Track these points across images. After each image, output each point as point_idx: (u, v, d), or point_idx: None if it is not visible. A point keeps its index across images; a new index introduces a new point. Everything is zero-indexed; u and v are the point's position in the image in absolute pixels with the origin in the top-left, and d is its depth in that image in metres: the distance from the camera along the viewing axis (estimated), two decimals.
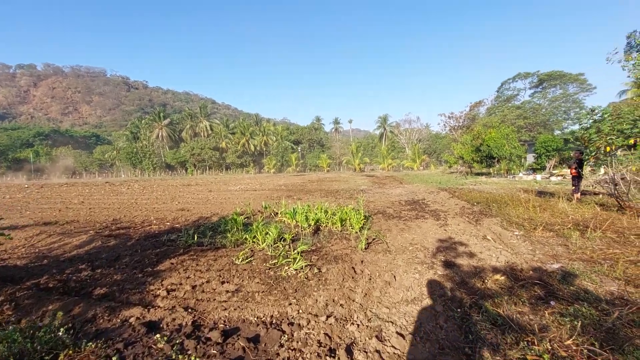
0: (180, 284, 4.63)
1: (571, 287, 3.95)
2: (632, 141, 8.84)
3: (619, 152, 9.03)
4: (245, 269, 5.15)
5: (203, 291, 4.34)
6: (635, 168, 9.21)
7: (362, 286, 4.37)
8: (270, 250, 6.06)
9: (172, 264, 5.58)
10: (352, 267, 5.10)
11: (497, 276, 4.44)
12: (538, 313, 3.39)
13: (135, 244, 6.91)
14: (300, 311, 3.65)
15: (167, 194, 20.88)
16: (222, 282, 4.59)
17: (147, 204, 15.20)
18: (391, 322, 3.39)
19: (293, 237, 6.95)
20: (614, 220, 7.23)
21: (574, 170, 11.80)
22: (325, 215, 8.55)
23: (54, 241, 7.61)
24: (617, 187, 9.25)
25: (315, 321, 3.39)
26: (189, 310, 3.73)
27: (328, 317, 3.46)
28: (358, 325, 3.30)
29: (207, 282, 4.65)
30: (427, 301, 3.89)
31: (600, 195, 11.92)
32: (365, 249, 6.22)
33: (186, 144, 77.08)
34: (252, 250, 6.18)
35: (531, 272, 4.60)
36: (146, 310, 3.61)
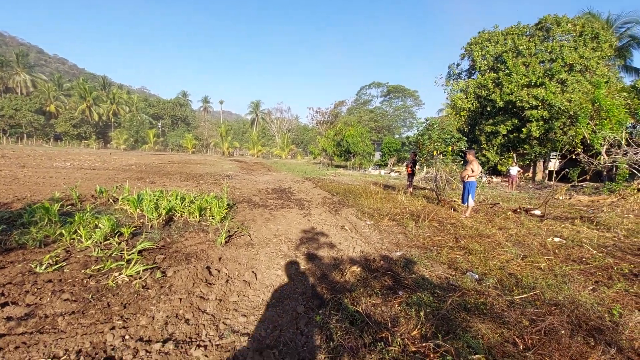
0: None
1: (412, 275, 4.40)
2: (450, 148, 11.07)
3: (440, 157, 11.19)
4: (50, 280, 3.73)
5: None
6: (449, 169, 11.63)
7: (217, 291, 3.76)
8: (96, 250, 4.67)
9: None
10: (207, 267, 4.40)
11: (354, 268, 4.59)
12: (389, 304, 3.56)
13: None
14: (127, 337, 2.77)
15: None
16: (3, 305, 3.15)
17: None
18: (247, 334, 2.93)
19: (134, 230, 5.63)
20: (437, 211, 8.84)
21: (409, 169, 14.09)
22: (182, 203, 7.40)
23: None
24: (436, 184, 11.48)
25: (147, 350, 2.60)
26: None
27: (166, 341, 2.72)
28: (205, 347, 2.69)
29: None
30: (288, 302, 3.62)
31: (426, 190, 14.69)
32: (226, 242, 5.57)
33: None
34: (67, 251, 4.63)
35: (381, 261, 4.97)
36: None
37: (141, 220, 6.61)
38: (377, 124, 55.98)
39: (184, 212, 7.12)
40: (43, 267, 3.99)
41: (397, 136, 55.30)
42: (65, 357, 2.50)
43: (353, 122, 32.58)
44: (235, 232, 6.31)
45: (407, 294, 3.82)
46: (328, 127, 47.76)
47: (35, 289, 3.50)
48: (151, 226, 6.24)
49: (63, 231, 5.12)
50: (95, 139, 61.88)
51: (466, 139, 11.54)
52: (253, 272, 4.42)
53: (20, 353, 2.50)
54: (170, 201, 7.36)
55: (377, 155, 34.85)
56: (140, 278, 3.90)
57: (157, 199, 7.40)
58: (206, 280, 4.02)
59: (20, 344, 2.62)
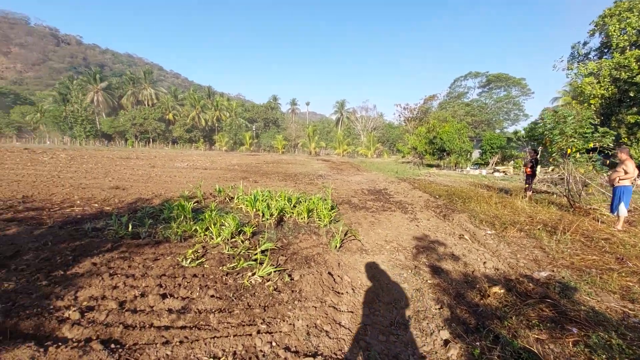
0: (104, 297, 3.42)
1: (579, 306, 3.53)
2: (591, 144, 9.09)
3: (577, 155, 9.27)
4: (195, 275, 4.05)
5: (135, 310, 3.19)
6: (583, 170, 9.59)
7: (346, 302, 3.57)
8: (226, 247, 4.98)
9: (94, 264, 4.27)
10: (330, 273, 4.28)
11: (496, 289, 3.92)
12: (558, 341, 2.86)
13: (45, 234, 5.35)
14: (274, 344, 2.74)
15: (99, 167, 18.17)
16: (164, 296, 3.47)
17: (73, 178, 12.85)
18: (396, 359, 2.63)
19: (254, 230, 5.91)
20: (578, 222, 7.31)
21: (528, 169, 12.16)
22: (289, 204, 7.60)
23: None
24: (569, 188, 9.58)
25: None
26: (113, 347, 2.60)
27: (314, 356, 2.59)
28: None
29: (142, 295, 3.49)
30: (427, 324, 3.21)
31: (552, 195, 12.50)
32: (339, 247, 5.43)
33: (127, 112, 69.30)
34: (203, 247, 5.05)
35: (529, 284, 4.16)
36: (41, 350, 2.42)
37: (256, 220, 6.96)
38: (474, 118, 50.92)
39: (292, 213, 7.28)
40: (188, 261, 4.38)
41: (498, 131, 49.42)
42: (223, 358, 2.55)
43: (447, 118, 30.13)
44: (345, 235, 6.14)
45: (581, 331, 3.03)
46: (417, 124, 45.35)
47: (186, 283, 3.81)
48: (266, 226, 6.50)
49: (197, 228, 5.63)
50: (202, 141, 70.86)
51: (614, 133, 9.32)
52: (377, 283, 4.12)
53: (186, 349, 2.63)
54: (278, 201, 7.63)
55: (476, 153, 31.62)
56: (271, 280, 3.95)
57: (267, 200, 7.77)
58: (333, 288, 3.87)
59: (183, 339, 2.79)
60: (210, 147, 72.94)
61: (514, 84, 55.01)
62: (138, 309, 3.22)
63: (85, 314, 3.06)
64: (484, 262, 4.97)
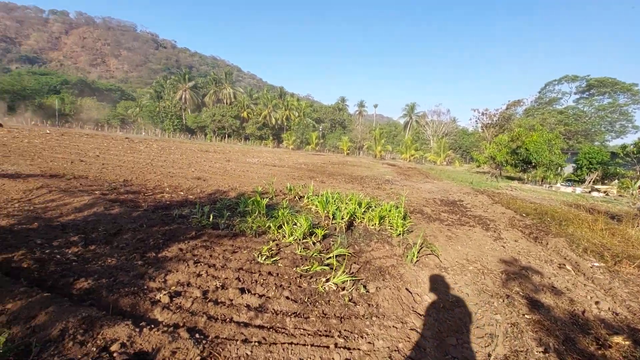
0: (189, 284, 3.58)
1: None
2: None
3: None
4: (270, 273, 4.05)
5: (217, 302, 3.26)
6: None
7: (430, 326, 3.21)
8: (299, 248, 4.94)
9: (180, 250, 4.55)
10: (408, 290, 3.94)
11: (619, 339, 3.20)
12: None
13: (141, 216, 5.92)
14: None
15: (184, 158, 20.07)
16: (242, 291, 3.50)
17: (163, 167, 14.34)
18: None
19: (325, 232, 5.80)
20: None
21: None
22: (359, 208, 7.36)
23: (53, 199, 6.72)
24: None
25: None
26: (197, 336, 2.66)
27: None
28: None
29: (222, 287, 3.58)
30: None
31: None
32: (416, 262, 5.02)
33: (208, 109, 76.17)
34: (277, 245, 5.07)
35: None
36: (137, 330, 2.55)
37: (326, 222, 6.87)
38: (567, 128, 44.79)
39: (363, 219, 7.03)
40: (263, 258, 4.42)
41: (598, 144, 42.70)
42: None
43: (536, 126, 26.80)
44: (421, 249, 5.69)
45: None
46: (496, 131, 41.52)
47: (262, 280, 3.82)
48: (337, 229, 6.36)
49: (271, 225, 5.72)
50: (271, 139, 74.55)
51: None
52: (462, 309, 3.67)
53: (264, 351, 2.57)
54: (348, 204, 7.44)
55: (569, 169, 27.71)
56: (346, 290, 3.76)
57: (338, 202, 7.64)
58: (413, 308, 3.53)
59: (261, 339, 2.74)
60: (278, 144, 76.31)
61: (623, 90, 46.97)
62: (219, 301, 3.29)
63: (174, 298, 3.21)
64: (597, 302, 4.14)
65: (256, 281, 3.80)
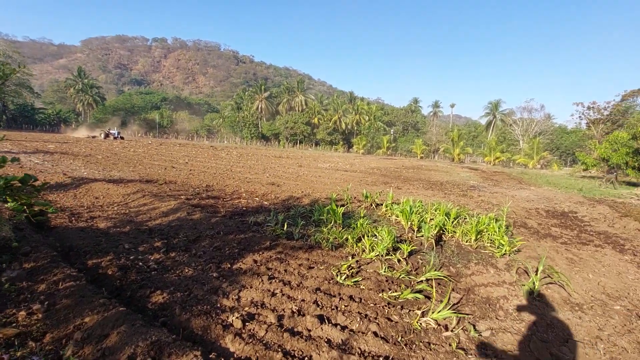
0: (263, 304, 3.20)
1: None
2: None
3: None
4: (352, 297, 3.47)
5: (293, 332, 2.79)
6: None
7: None
8: (383, 267, 4.25)
9: (255, 262, 4.26)
10: (535, 336, 2.97)
11: None
12: None
13: (219, 222, 5.89)
14: None
15: (259, 164, 20.90)
16: (321, 319, 2.97)
17: (241, 172, 14.97)
18: None
19: (412, 248, 5.01)
20: None
21: None
22: (447, 219, 6.35)
23: (145, 203, 7.18)
24: None
25: None
26: None
27: None
28: None
29: (298, 311, 3.11)
30: None
31: None
32: (537, 294, 3.93)
33: (282, 117, 79.89)
34: (357, 262, 4.47)
35: None
36: None
37: (409, 235, 6.05)
38: None
39: (454, 232, 6.02)
40: (342, 277, 3.86)
41: None
42: None
43: None
44: (536, 274, 4.51)
45: None
46: (608, 128, 34.84)
47: (343, 306, 3.26)
48: (424, 245, 5.50)
49: (349, 237, 5.15)
50: (342, 144, 74.69)
51: None
52: None
53: None
54: (435, 216, 6.49)
55: None
56: (450, 330, 2.96)
57: (421, 212, 6.75)
58: None
59: None
60: (348, 149, 76.18)
61: None
62: (296, 330, 2.82)
63: (247, 323, 2.83)
64: None
65: (336, 307, 3.25)
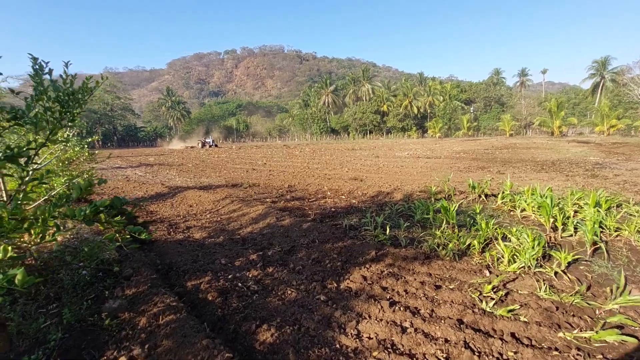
0: (394, 347, 2.43)
1: None
2: None
3: None
4: (517, 337, 2.47)
5: None
6: None
7: None
8: (541, 286, 3.11)
9: (364, 279, 3.52)
10: None
11: None
12: None
13: (311, 228, 5.32)
14: None
15: (334, 158, 20.40)
16: None
17: (318, 169, 14.58)
18: None
19: (574, 257, 3.70)
20: None
21: None
22: (602, 213, 4.75)
23: (234, 209, 7.05)
24: None
25: None
26: None
27: None
28: None
29: None
30: None
31: None
32: None
33: (349, 109, 78.87)
34: (498, 277, 3.40)
35: None
36: None
37: (550, 236, 4.66)
38: None
39: (620, 229, 4.45)
40: (488, 303, 2.86)
41: None
42: None
43: None
44: None
45: None
46: None
47: (512, 354, 2.27)
48: (573, 247, 4.11)
49: (475, 242, 4.07)
50: (415, 129, 70.49)
51: None
52: None
53: None
54: (583, 209, 4.96)
55: None
56: None
57: (560, 204, 5.24)
58: None
59: None
60: (422, 134, 71.69)
61: None
62: None
63: None
64: None
65: (500, 354, 2.29)
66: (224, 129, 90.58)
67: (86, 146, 8.02)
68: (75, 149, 7.70)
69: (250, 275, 3.74)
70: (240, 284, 3.46)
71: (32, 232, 1.97)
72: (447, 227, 4.91)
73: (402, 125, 70.99)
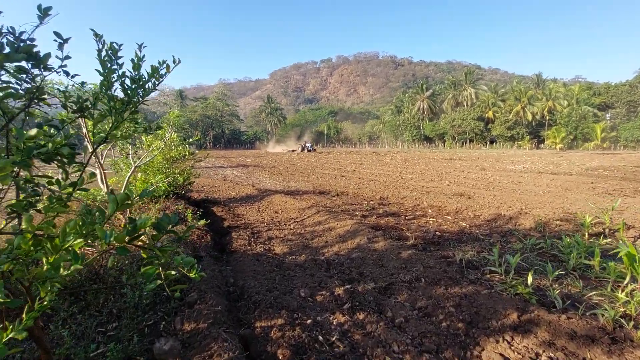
0: None
1: None
2: None
3: None
4: None
5: None
6: None
7: None
8: None
9: None
10: None
11: None
12: None
13: (412, 258, 4.16)
14: None
15: (431, 168, 18.39)
16: None
17: (413, 179, 13.05)
18: None
19: None
20: None
21: None
22: None
23: (320, 221, 6.32)
24: None
25: None
26: None
27: None
28: None
29: None
30: None
31: None
32: None
33: (446, 115, 72.93)
34: None
35: None
36: None
37: None
38: None
39: None
40: None
41: None
42: None
43: None
44: None
45: None
46: None
47: None
48: None
49: None
50: (527, 139, 60.86)
51: None
52: None
53: None
54: None
55: None
56: None
57: None
58: None
59: None
60: (537, 145, 61.66)
61: None
62: None
63: None
64: None
65: None
66: (316, 134, 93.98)
67: (187, 146, 8.33)
68: (179, 148, 8.06)
69: (334, 322, 2.82)
70: (320, 338, 2.56)
71: (44, 261, 1.41)
72: (634, 285, 3.17)
73: (510, 133, 62.31)
